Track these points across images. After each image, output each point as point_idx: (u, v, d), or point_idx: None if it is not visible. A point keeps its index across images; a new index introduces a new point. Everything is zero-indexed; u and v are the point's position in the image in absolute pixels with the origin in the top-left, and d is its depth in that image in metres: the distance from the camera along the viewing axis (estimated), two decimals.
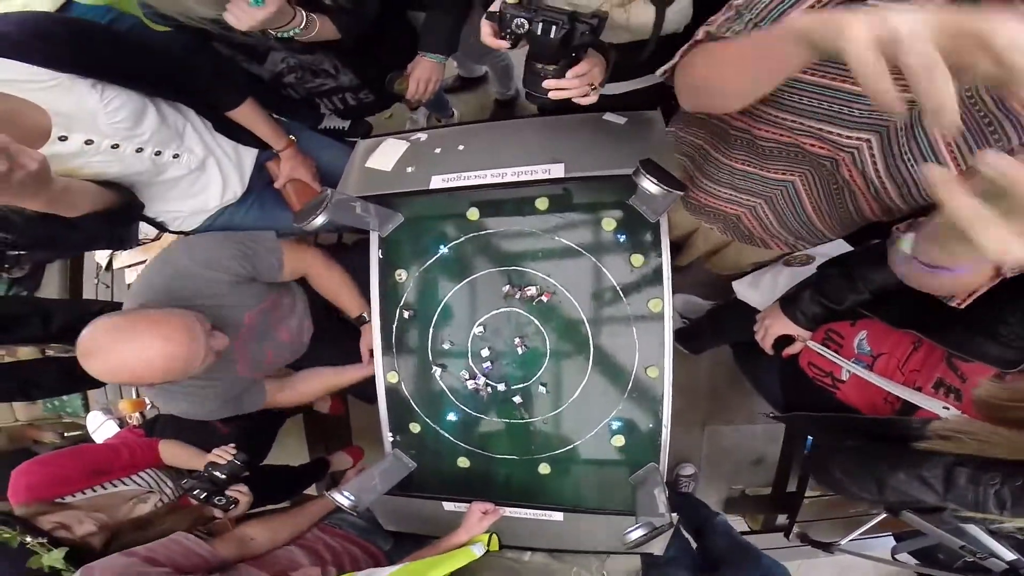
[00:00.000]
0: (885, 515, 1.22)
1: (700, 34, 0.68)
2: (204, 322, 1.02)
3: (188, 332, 0.97)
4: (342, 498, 1.03)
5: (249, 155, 1.24)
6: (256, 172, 1.25)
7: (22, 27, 0.82)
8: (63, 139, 0.89)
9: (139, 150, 0.99)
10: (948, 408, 0.73)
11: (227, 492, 1.20)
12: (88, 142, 0.91)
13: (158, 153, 1.03)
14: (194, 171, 1.13)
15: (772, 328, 1.03)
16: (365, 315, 1.28)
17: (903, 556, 1.32)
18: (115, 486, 1.27)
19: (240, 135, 1.19)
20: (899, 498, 0.77)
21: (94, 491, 1.23)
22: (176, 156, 1.06)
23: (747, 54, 0.61)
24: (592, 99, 0.83)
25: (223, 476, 1.19)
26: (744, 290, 1.22)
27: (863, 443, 0.80)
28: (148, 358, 0.93)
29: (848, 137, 0.70)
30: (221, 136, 1.17)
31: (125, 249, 1.78)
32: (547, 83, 0.78)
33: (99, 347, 0.93)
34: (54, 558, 1.00)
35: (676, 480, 1.86)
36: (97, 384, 1.92)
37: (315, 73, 1.28)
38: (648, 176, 0.78)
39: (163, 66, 1.00)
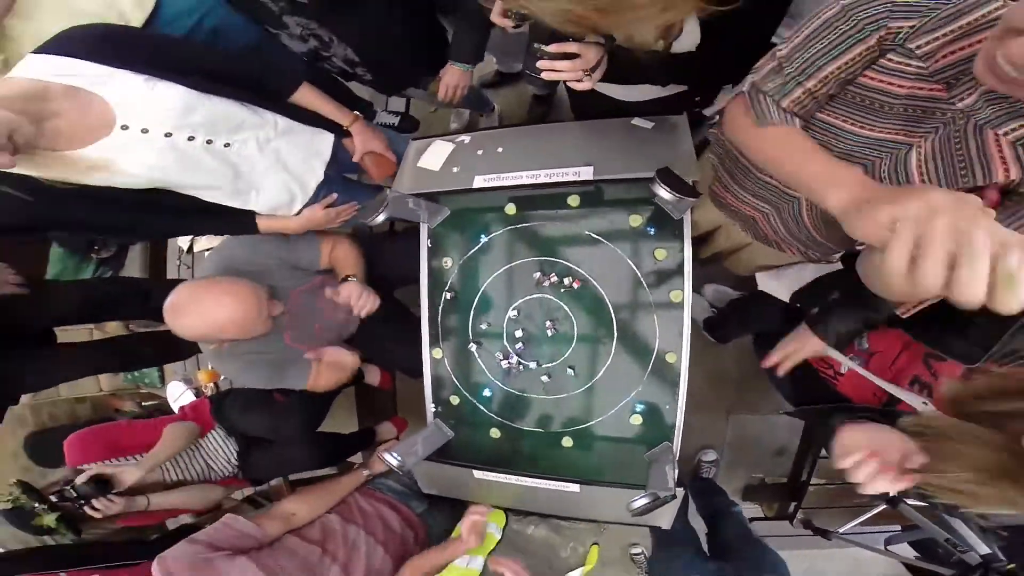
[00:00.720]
0: (884, 506, 1.24)
1: (746, 85, 0.77)
2: (266, 289, 1.22)
3: (254, 294, 1.17)
4: (391, 458, 1.17)
5: (325, 141, 1.31)
6: (334, 168, 1.36)
7: (87, 32, 0.99)
8: (125, 128, 1.01)
9: (190, 138, 1.07)
10: (927, 403, 0.80)
11: (86, 508, 1.39)
12: (144, 131, 1.01)
13: (209, 141, 1.09)
14: (260, 158, 1.18)
15: (800, 352, 1.01)
16: (351, 277, 1.39)
17: (899, 548, 1.33)
18: (127, 460, 1.58)
19: (316, 120, 1.29)
20: None
21: (108, 463, 1.54)
22: (227, 145, 1.12)
23: (806, 168, 0.69)
24: (585, 85, 0.88)
25: (73, 495, 1.37)
26: (767, 281, 1.26)
27: None
28: (226, 311, 1.14)
29: None
30: (297, 124, 1.25)
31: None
32: (540, 63, 0.84)
33: (185, 304, 1.14)
34: (49, 520, 1.39)
35: (698, 465, 1.92)
36: (183, 356, 2.18)
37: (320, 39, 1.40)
38: (663, 185, 0.86)
39: (214, 59, 1.13)
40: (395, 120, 2.12)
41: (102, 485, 1.40)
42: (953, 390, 0.68)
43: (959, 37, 0.59)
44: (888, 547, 1.33)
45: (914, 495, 0.79)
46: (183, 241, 2.21)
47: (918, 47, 0.62)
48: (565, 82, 0.89)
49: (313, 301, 1.42)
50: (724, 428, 1.93)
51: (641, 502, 0.95)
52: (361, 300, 1.33)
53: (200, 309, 1.15)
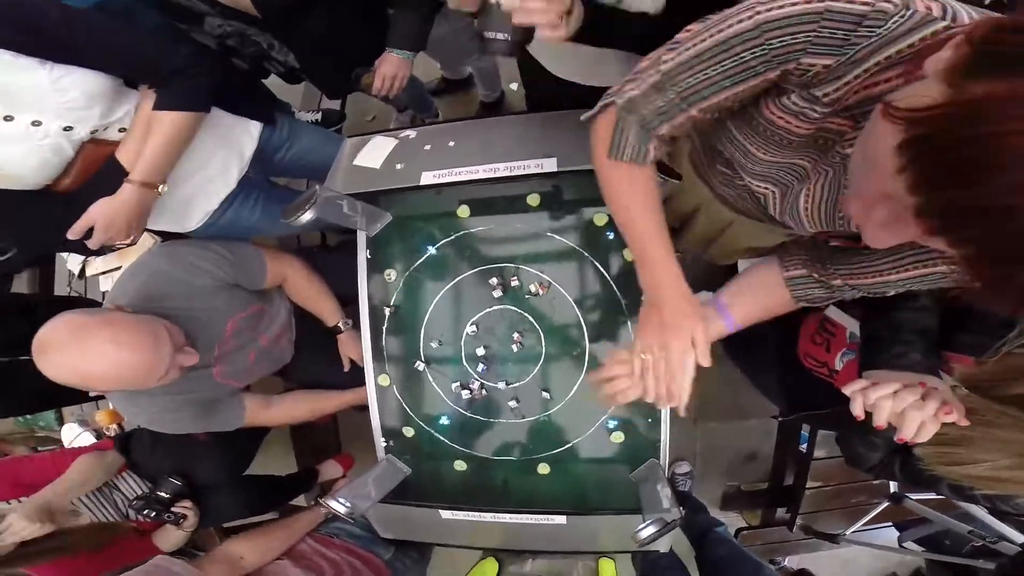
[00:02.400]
0: (887, 504, 1.22)
1: (620, 99, 0.67)
2: (177, 335, 0.99)
3: (152, 343, 0.93)
4: (338, 504, 1.00)
5: (248, 132, 1.15)
6: (258, 167, 1.20)
7: None
8: (8, 119, 0.83)
9: (95, 132, 0.92)
10: (956, 386, 0.75)
11: (174, 509, 1.35)
12: (35, 123, 0.85)
13: (121, 131, 0.95)
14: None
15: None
16: (340, 325, 1.29)
17: (909, 544, 1.33)
18: None
19: (239, 106, 1.12)
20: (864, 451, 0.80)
21: (19, 501, 1.23)
22: (122, 130, 0.97)
23: (635, 231, 0.72)
24: (560, 34, 0.74)
25: (167, 495, 1.36)
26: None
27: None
28: (103, 364, 0.89)
29: (756, 186, 0.73)
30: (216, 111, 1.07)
31: (100, 255, 1.72)
32: (507, 2, 0.70)
33: (56, 343, 0.88)
34: None
35: (673, 478, 1.84)
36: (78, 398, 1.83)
37: (248, 42, 1.28)
38: None
39: (126, 45, 0.92)
40: (317, 116, 1.93)
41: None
42: (968, 376, 0.63)
43: (870, 76, 0.50)
44: (902, 544, 1.31)
45: (952, 489, 0.73)
46: (74, 264, 1.88)
47: (825, 95, 0.53)
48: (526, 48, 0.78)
49: (251, 329, 1.21)
50: (694, 438, 1.87)
51: (649, 531, 0.85)
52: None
53: (73, 353, 0.88)
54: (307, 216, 0.87)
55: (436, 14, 1.32)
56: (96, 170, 0.95)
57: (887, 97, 0.43)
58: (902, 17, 0.46)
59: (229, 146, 1.13)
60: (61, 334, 0.89)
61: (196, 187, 1.12)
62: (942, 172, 0.37)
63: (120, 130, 0.96)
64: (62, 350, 0.88)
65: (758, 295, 0.81)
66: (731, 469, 1.90)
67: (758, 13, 0.51)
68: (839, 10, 0.48)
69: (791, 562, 1.73)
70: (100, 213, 0.96)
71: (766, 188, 0.72)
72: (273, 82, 1.51)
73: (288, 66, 1.33)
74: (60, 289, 2.03)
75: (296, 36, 1.25)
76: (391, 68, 1.28)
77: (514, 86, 2.07)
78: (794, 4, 0.49)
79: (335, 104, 1.98)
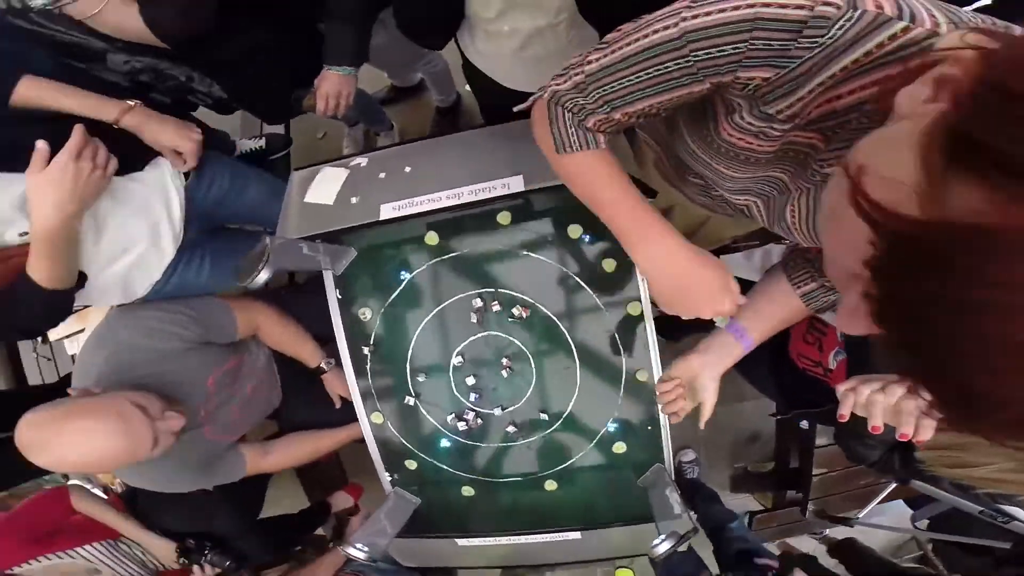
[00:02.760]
0: (895, 485, 1.22)
1: (547, 93, 0.62)
2: (153, 404, 0.94)
3: (121, 424, 0.89)
4: (356, 551, 0.98)
5: (166, 193, 1.05)
6: (199, 224, 1.13)
7: None
8: None
9: None
10: None
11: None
12: None
13: (23, 235, 0.87)
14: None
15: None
16: (323, 365, 1.24)
17: (922, 523, 1.34)
18: (60, 558, 1.20)
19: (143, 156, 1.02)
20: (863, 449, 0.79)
21: (31, 562, 1.18)
22: (23, 234, 0.88)
23: (611, 212, 0.66)
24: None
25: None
26: (733, 263, 1.19)
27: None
28: (89, 451, 0.87)
29: (735, 199, 0.69)
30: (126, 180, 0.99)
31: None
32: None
33: (37, 441, 0.87)
34: None
35: (680, 467, 1.85)
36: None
37: (164, 76, 1.16)
38: None
39: None
40: (261, 143, 1.79)
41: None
42: None
43: (828, 88, 0.44)
44: (915, 525, 1.32)
45: (954, 487, 0.72)
46: None
47: (779, 112, 0.48)
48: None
49: (232, 382, 1.17)
50: (695, 424, 1.86)
51: (664, 547, 0.85)
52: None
53: (56, 447, 0.87)
54: (263, 276, 0.81)
55: (373, 23, 1.24)
56: (11, 279, 0.89)
57: (855, 158, 0.34)
58: (848, 21, 0.40)
59: (152, 215, 1.04)
60: (38, 433, 0.88)
61: (131, 264, 1.04)
62: (910, 329, 0.29)
63: (21, 234, 0.88)
64: (47, 447, 0.87)
65: (775, 312, 0.79)
66: (736, 451, 1.90)
67: (684, 20, 0.47)
68: (772, 17, 0.42)
69: (835, 532, 1.72)
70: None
71: (747, 200, 0.68)
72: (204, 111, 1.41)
73: (215, 96, 1.22)
74: (26, 354, 1.95)
75: (215, 65, 1.14)
76: (332, 86, 1.19)
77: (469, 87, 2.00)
78: (721, 11, 0.44)
79: (279, 128, 1.85)
